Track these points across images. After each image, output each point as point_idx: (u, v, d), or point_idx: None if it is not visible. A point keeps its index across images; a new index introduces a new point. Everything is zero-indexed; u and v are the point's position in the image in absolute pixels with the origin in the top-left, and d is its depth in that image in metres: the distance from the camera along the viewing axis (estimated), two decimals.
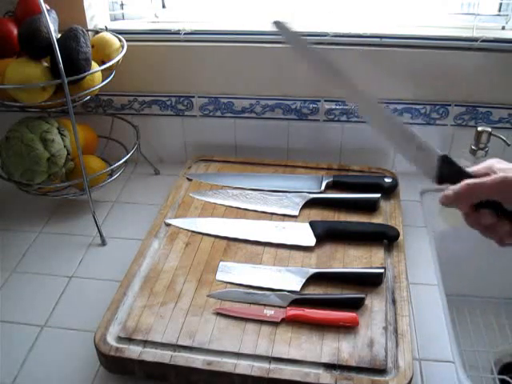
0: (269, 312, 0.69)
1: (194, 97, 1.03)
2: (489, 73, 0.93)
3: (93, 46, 0.87)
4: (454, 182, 0.55)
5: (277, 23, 0.61)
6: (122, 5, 1.06)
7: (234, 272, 0.76)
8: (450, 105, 0.97)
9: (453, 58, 0.93)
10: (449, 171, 0.56)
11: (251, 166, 1.00)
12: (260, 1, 1.02)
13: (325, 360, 0.62)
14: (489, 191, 0.52)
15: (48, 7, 0.82)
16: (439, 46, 0.93)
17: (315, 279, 0.73)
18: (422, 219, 0.92)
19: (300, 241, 0.81)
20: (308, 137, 1.04)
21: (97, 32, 0.96)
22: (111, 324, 0.68)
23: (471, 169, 0.56)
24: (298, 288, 0.72)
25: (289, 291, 0.71)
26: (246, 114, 1.03)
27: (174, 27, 0.99)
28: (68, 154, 0.89)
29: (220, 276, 0.75)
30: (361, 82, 1.00)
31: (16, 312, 0.76)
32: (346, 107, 0.99)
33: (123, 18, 1.08)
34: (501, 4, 0.97)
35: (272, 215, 0.87)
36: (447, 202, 0.54)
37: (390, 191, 0.91)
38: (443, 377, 0.66)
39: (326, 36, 0.94)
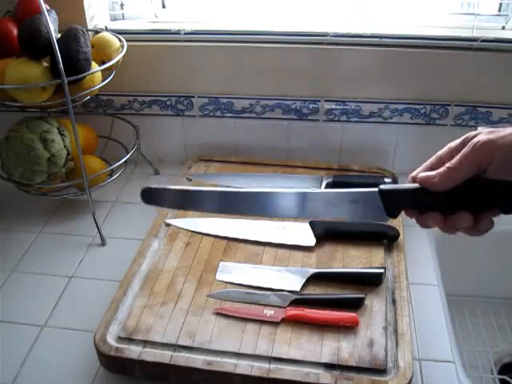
0: (269, 312, 0.69)
1: (193, 97, 1.03)
2: (489, 73, 0.93)
3: (93, 46, 0.87)
4: (410, 206, 0.51)
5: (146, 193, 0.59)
6: (121, 5, 1.06)
7: (234, 272, 0.76)
8: (449, 105, 0.97)
9: (453, 58, 0.92)
10: (394, 200, 0.51)
11: (251, 166, 1.00)
12: (260, 1, 1.02)
13: (325, 360, 0.62)
14: (469, 159, 0.48)
15: (48, 7, 0.82)
16: (439, 46, 0.93)
17: (315, 279, 0.73)
18: None
19: (300, 241, 0.81)
20: (308, 137, 1.04)
21: (97, 32, 0.96)
22: (111, 324, 0.68)
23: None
24: (297, 288, 0.72)
25: (289, 291, 0.72)
26: (246, 114, 1.03)
27: (173, 27, 0.99)
28: (68, 153, 0.89)
29: (220, 276, 0.75)
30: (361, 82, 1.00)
31: (16, 312, 0.76)
32: (346, 107, 0.99)
33: (123, 18, 1.07)
34: (501, 4, 0.97)
35: None
36: (431, 185, 0.48)
37: None
38: (443, 377, 0.66)
39: (326, 36, 0.94)
